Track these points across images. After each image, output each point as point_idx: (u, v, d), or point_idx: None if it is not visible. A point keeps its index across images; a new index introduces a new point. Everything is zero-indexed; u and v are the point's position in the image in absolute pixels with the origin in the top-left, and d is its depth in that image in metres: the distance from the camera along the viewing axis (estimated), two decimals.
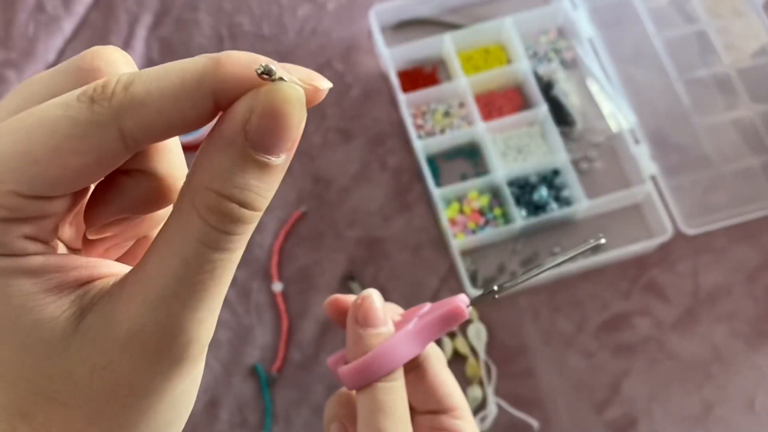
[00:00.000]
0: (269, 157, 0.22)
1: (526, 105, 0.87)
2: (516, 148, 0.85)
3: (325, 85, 0.25)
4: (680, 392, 0.76)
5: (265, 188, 0.23)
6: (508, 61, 0.88)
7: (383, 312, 0.36)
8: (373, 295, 0.36)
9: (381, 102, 0.87)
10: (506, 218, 0.82)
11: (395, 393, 0.33)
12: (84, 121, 0.20)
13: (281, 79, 0.23)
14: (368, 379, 0.34)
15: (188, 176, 0.23)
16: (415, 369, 0.37)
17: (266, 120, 0.22)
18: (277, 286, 0.79)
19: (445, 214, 0.80)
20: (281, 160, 0.23)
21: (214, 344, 0.77)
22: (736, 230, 0.81)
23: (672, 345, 0.78)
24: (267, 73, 0.22)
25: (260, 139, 0.22)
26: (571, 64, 0.89)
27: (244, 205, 0.22)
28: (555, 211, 0.80)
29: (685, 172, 0.81)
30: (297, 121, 0.23)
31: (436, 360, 0.37)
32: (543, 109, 0.83)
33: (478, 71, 0.87)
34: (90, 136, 0.20)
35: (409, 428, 0.33)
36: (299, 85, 0.23)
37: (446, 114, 0.86)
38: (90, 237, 0.25)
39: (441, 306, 0.38)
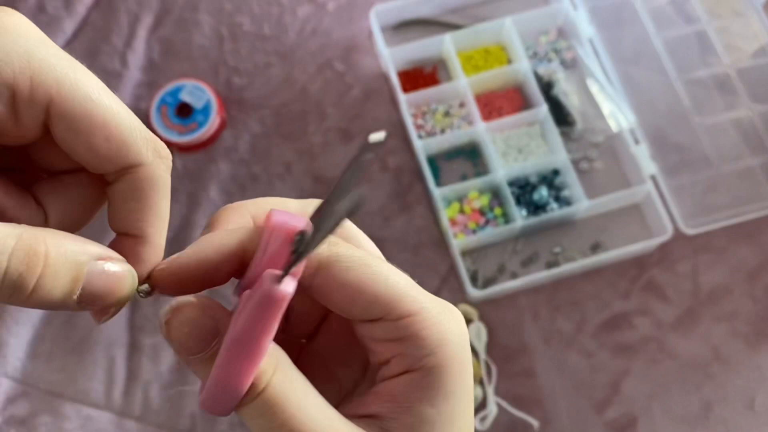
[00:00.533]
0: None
1: (526, 105, 0.87)
2: (516, 148, 0.85)
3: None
4: (680, 392, 0.76)
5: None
6: (509, 62, 0.88)
7: (204, 328, 0.24)
8: (183, 311, 0.24)
9: (381, 102, 0.87)
10: (506, 218, 0.82)
11: (275, 405, 0.24)
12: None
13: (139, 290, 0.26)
14: (231, 405, 0.25)
15: None
16: (315, 279, 0.25)
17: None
18: None
19: (445, 214, 0.80)
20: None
21: None
22: (736, 230, 0.81)
23: (672, 345, 0.78)
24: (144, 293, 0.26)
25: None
26: (571, 64, 0.89)
27: None
28: (555, 211, 0.80)
29: (685, 172, 0.81)
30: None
31: (337, 260, 0.25)
32: (543, 109, 0.83)
33: (478, 71, 0.87)
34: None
35: (320, 418, 0.24)
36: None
37: (446, 114, 0.86)
38: None
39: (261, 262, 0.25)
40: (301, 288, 0.25)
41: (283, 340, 0.26)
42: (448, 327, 0.25)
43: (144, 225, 0.26)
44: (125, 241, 0.26)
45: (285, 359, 0.25)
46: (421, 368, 0.25)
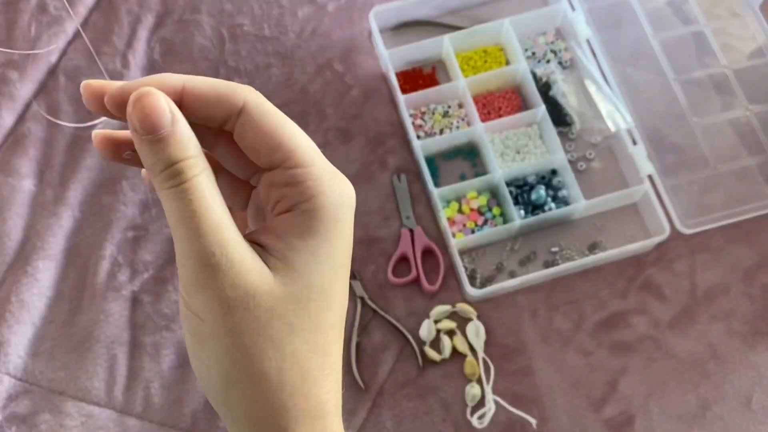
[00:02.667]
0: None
1: (524, 105, 0.87)
2: (514, 148, 0.85)
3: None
4: (677, 390, 0.77)
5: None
6: (507, 62, 0.89)
7: (168, 106, 0.29)
8: (153, 91, 0.29)
9: (381, 102, 0.88)
10: (505, 218, 0.82)
11: (195, 193, 0.29)
12: None
13: None
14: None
15: None
16: (239, 120, 0.30)
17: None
18: None
19: (444, 214, 0.80)
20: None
21: None
22: (733, 230, 0.81)
23: (669, 343, 0.78)
24: None
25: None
26: (569, 65, 0.89)
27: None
28: (553, 211, 0.80)
29: (682, 172, 0.82)
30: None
31: (258, 105, 0.30)
32: (541, 109, 0.84)
33: (476, 72, 0.87)
34: None
35: (222, 224, 0.29)
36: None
37: (445, 114, 0.87)
38: None
39: None
40: (229, 126, 0.31)
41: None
42: (329, 187, 0.30)
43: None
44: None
45: (210, 171, 0.30)
46: (296, 210, 0.30)
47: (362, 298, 0.79)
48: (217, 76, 0.88)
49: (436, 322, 0.78)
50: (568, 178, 0.82)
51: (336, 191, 0.30)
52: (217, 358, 0.29)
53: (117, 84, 0.30)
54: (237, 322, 0.28)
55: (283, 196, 0.30)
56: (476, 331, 0.78)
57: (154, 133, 0.28)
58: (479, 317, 0.79)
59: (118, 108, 0.30)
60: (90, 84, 0.30)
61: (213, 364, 0.29)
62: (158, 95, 0.28)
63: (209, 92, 0.30)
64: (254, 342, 0.28)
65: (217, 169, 0.33)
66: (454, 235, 0.80)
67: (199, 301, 0.28)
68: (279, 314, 0.29)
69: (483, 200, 0.83)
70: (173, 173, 0.28)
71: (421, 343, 0.78)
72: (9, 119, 0.86)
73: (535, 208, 0.82)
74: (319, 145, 0.31)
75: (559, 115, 0.86)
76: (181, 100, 0.30)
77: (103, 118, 0.85)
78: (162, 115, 0.28)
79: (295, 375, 0.29)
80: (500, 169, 0.82)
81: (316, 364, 0.30)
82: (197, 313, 0.29)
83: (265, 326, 0.29)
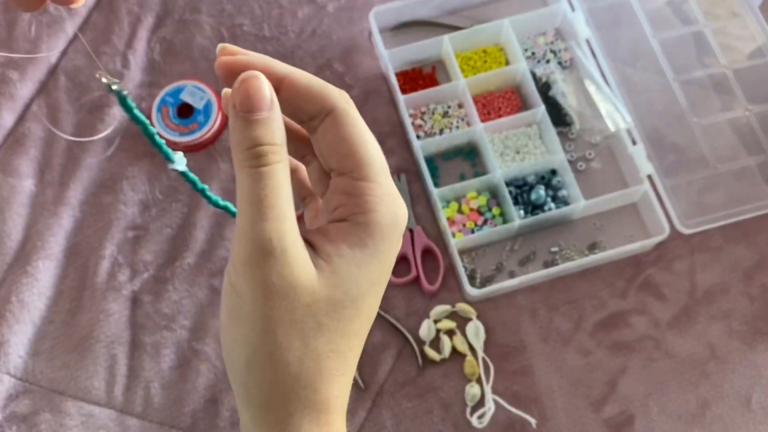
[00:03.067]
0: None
1: (524, 106, 0.87)
2: (514, 148, 0.85)
3: None
4: (677, 390, 0.77)
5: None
6: (507, 62, 0.89)
7: (270, 93, 0.30)
8: (260, 76, 0.30)
9: (381, 102, 0.88)
10: (504, 218, 0.82)
11: (274, 177, 0.30)
12: None
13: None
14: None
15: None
16: (324, 120, 0.32)
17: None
18: None
19: (443, 214, 0.80)
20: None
21: (214, 341, 0.78)
22: (733, 229, 0.82)
23: (668, 343, 0.78)
24: None
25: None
26: (568, 65, 0.89)
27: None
28: (553, 211, 0.81)
29: (682, 172, 0.82)
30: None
31: (345, 113, 0.32)
32: (541, 109, 0.84)
33: (476, 72, 0.88)
34: None
35: (286, 215, 0.30)
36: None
37: (445, 114, 0.87)
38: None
39: None
40: (315, 124, 0.32)
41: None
42: (386, 206, 0.32)
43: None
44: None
45: (288, 164, 0.31)
46: (352, 220, 0.31)
47: None
48: (216, 75, 0.88)
49: (435, 321, 0.79)
50: (567, 178, 0.82)
51: (391, 212, 0.32)
52: (246, 339, 0.30)
53: (241, 56, 0.32)
54: (274, 310, 0.30)
55: (342, 204, 0.32)
56: (476, 331, 0.78)
57: (251, 113, 0.30)
58: (479, 317, 0.79)
59: (226, 75, 0.32)
60: (225, 47, 0.32)
61: (242, 343, 0.30)
62: (264, 81, 0.30)
63: (306, 89, 0.32)
64: (285, 332, 0.30)
65: (312, 154, 0.35)
66: (453, 235, 0.80)
67: (246, 281, 0.30)
68: (313, 312, 0.30)
69: (483, 200, 0.83)
70: (257, 154, 0.30)
71: (420, 342, 0.78)
72: (9, 119, 0.86)
73: (534, 208, 0.82)
74: None
75: (558, 115, 0.86)
76: (279, 89, 0.31)
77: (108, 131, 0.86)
78: (262, 99, 0.30)
79: (312, 369, 0.31)
80: (500, 169, 0.82)
81: (334, 365, 0.31)
82: (240, 293, 0.30)
83: (297, 320, 0.30)
